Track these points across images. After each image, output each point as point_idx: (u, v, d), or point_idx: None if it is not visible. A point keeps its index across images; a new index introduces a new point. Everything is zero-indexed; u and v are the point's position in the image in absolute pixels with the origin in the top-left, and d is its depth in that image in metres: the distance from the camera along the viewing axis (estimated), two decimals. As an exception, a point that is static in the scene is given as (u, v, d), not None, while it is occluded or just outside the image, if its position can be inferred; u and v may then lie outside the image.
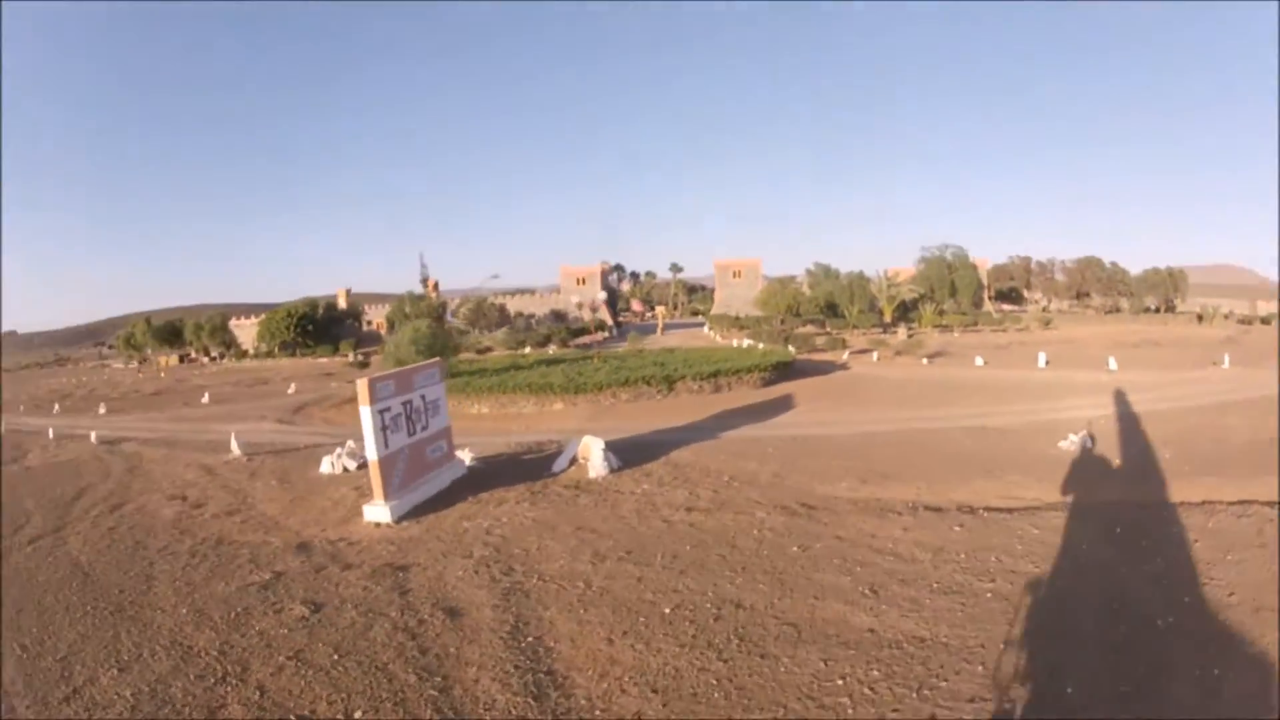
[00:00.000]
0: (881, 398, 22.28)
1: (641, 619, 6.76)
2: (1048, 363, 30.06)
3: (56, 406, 38.01)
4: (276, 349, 65.99)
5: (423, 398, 12.50)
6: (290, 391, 36.06)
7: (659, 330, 66.21)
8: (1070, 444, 13.54)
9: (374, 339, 68.62)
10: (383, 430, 11.15)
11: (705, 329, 62.28)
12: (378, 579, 8.30)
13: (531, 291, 79.62)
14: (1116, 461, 12.60)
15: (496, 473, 13.35)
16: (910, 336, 46.33)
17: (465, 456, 14.06)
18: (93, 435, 23.16)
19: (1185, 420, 15.90)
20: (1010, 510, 9.62)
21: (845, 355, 37.05)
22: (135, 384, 49.82)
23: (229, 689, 6.00)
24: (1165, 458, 12.43)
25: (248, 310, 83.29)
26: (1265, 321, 53.30)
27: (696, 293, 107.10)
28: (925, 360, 33.73)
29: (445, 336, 33.38)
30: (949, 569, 7.61)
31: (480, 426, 20.69)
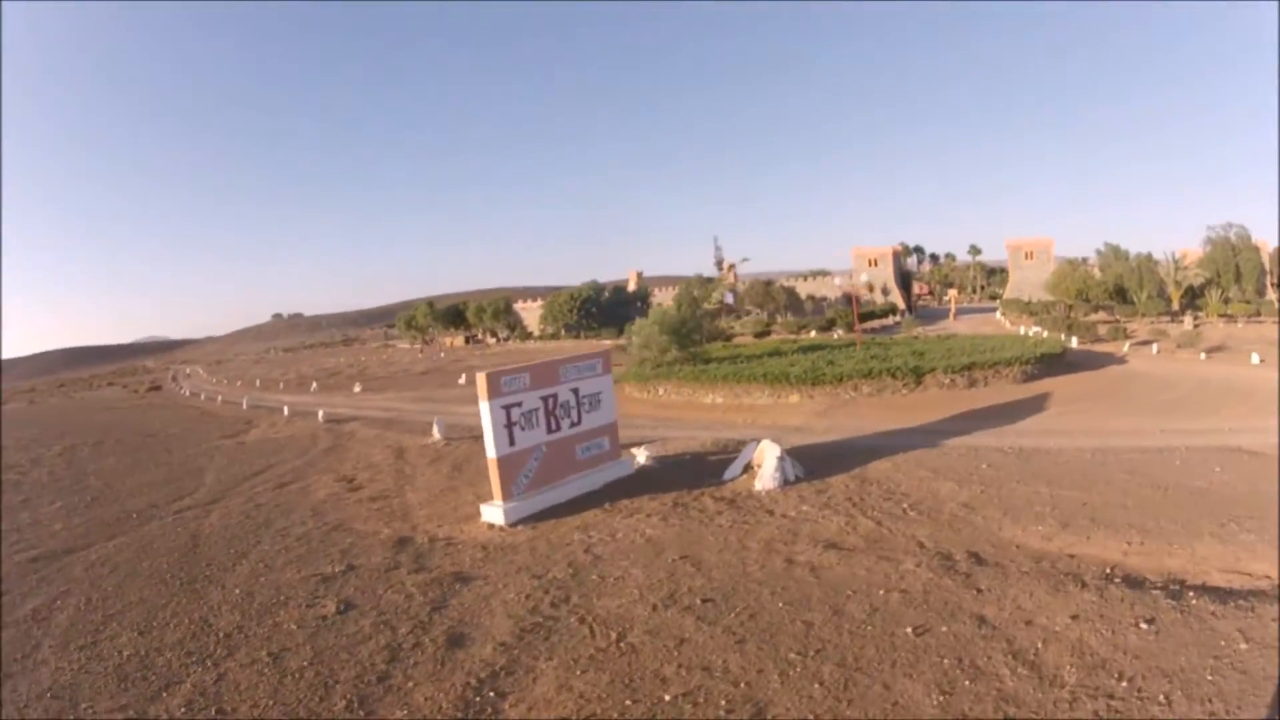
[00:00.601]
0: (1144, 401, 18.73)
1: (629, 701, 5.18)
2: (1337, 363, 22.67)
3: (315, 384, 42.00)
4: (561, 331, 66.81)
5: (574, 391, 11.40)
6: None
7: (951, 315, 60.93)
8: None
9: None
10: (507, 427, 10.51)
11: (997, 314, 58.09)
12: (431, 588, 7.77)
13: (825, 274, 76.39)
14: None
15: (665, 475, 12.12)
16: (1196, 327, 39.64)
17: (640, 455, 12.91)
18: (320, 413, 25.32)
19: None
20: (1228, 597, 6.33)
21: (1125, 347, 31.95)
22: (409, 364, 54.65)
23: (193, 673, 6.16)
24: None
25: (537, 294, 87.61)
26: None
27: (995, 275, 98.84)
28: (1203, 355, 28.29)
29: (695, 321, 30.98)
30: (1088, 707, 4.76)
31: (706, 418, 19.65)
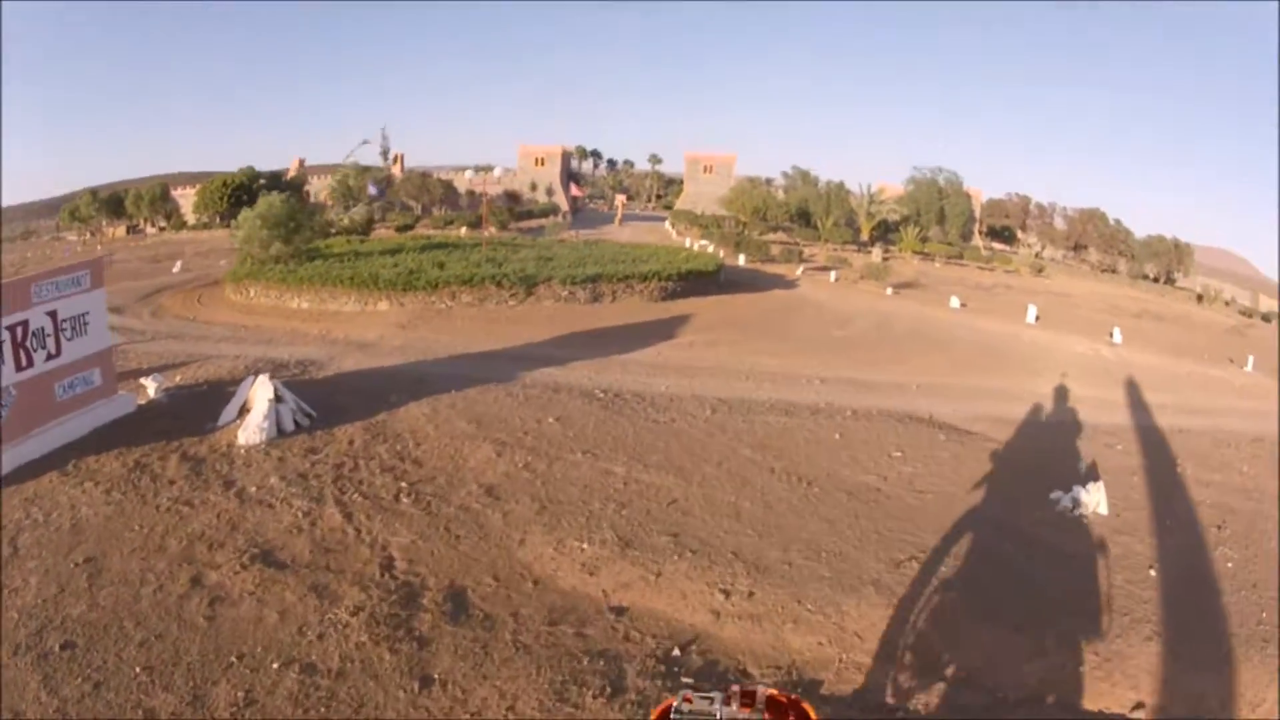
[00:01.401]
0: (808, 336, 16.97)
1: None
2: (1038, 318, 26.09)
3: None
4: (216, 220, 61.93)
5: (51, 315, 8.52)
6: (175, 270, 31.00)
7: (616, 221, 60.24)
8: (1066, 504, 7.90)
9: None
10: None
11: (666, 224, 57.65)
12: None
13: (489, 169, 73.28)
14: (1145, 567, 6.72)
15: (168, 415, 9.33)
16: (885, 260, 40.63)
17: (150, 387, 10.17)
18: None
19: (1234, 468, 9.95)
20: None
21: (799, 271, 32.28)
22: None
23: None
24: (1227, 567, 6.89)
25: (197, 180, 78.56)
26: (1266, 319, 49.45)
27: (673, 186, 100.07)
28: (890, 290, 28.86)
29: (305, 214, 27.46)
30: None
31: (284, 327, 16.77)
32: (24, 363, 8.26)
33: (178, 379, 10.77)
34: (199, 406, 9.48)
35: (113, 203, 74.06)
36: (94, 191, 76.65)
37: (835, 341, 16.76)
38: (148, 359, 12.55)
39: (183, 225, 65.50)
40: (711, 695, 2.54)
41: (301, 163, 77.88)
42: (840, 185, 57.84)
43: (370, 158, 63.10)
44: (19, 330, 8.20)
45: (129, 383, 10.40)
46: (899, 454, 8.68)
